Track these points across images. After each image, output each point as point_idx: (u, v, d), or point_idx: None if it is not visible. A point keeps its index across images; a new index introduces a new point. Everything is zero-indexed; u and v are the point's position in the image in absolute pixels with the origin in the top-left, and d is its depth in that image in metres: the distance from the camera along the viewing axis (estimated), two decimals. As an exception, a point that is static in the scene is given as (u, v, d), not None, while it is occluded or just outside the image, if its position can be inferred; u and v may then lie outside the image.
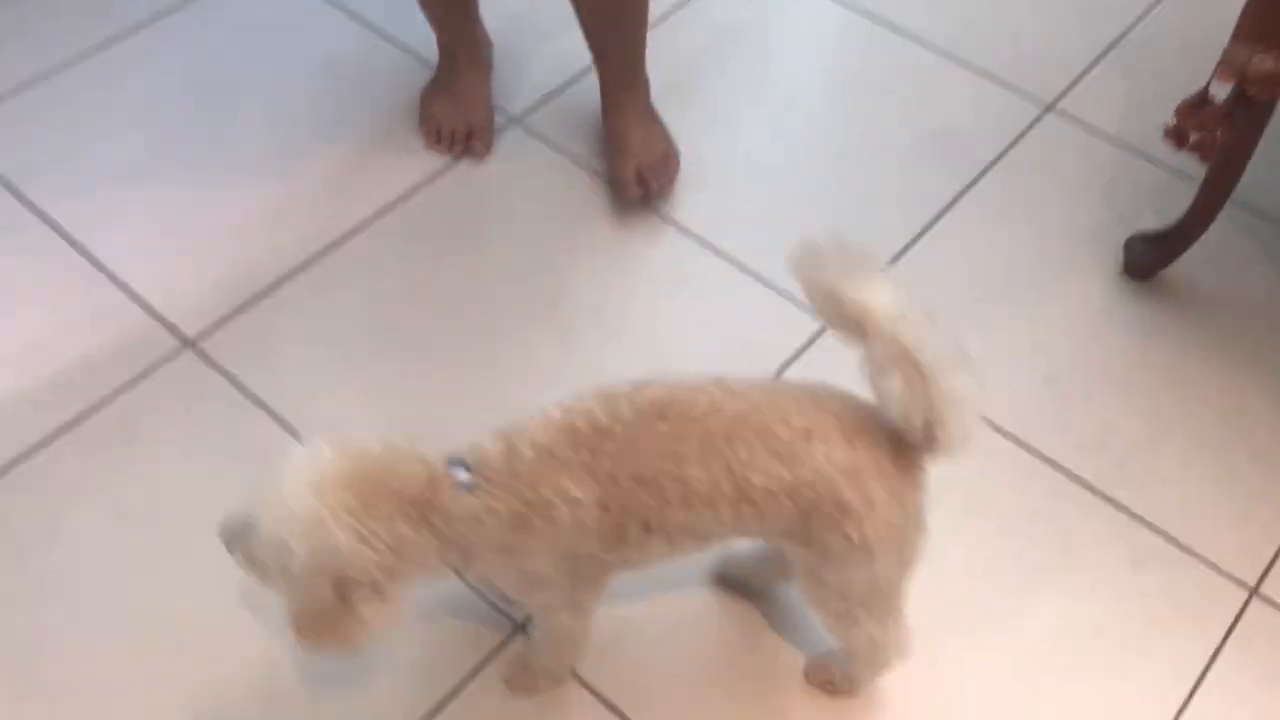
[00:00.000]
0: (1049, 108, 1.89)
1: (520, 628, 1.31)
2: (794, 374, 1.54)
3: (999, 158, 1.83)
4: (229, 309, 1.58)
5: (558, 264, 1.67)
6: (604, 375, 1.46)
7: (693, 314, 1.61)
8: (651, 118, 1.77)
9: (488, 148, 1.79)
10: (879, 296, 0.97)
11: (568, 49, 1.86)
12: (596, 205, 1.73)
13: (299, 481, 0.94)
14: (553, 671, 1.25)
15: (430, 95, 1.81)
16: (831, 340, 1.52)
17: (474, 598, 1.33)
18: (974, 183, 1.79)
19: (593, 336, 1.58)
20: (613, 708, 1.26)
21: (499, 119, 1.82)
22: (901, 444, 1.02)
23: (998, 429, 1.49)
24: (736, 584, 1.35)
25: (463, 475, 1.00)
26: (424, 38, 1.84)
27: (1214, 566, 1.38)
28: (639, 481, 1.01)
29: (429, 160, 1.77)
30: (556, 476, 1.00)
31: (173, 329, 1.55)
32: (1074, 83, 1.92)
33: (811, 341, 1.57)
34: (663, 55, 1.78)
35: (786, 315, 1.60)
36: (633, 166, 1.71)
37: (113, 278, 1.60)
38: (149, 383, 1.49)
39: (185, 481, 1.41)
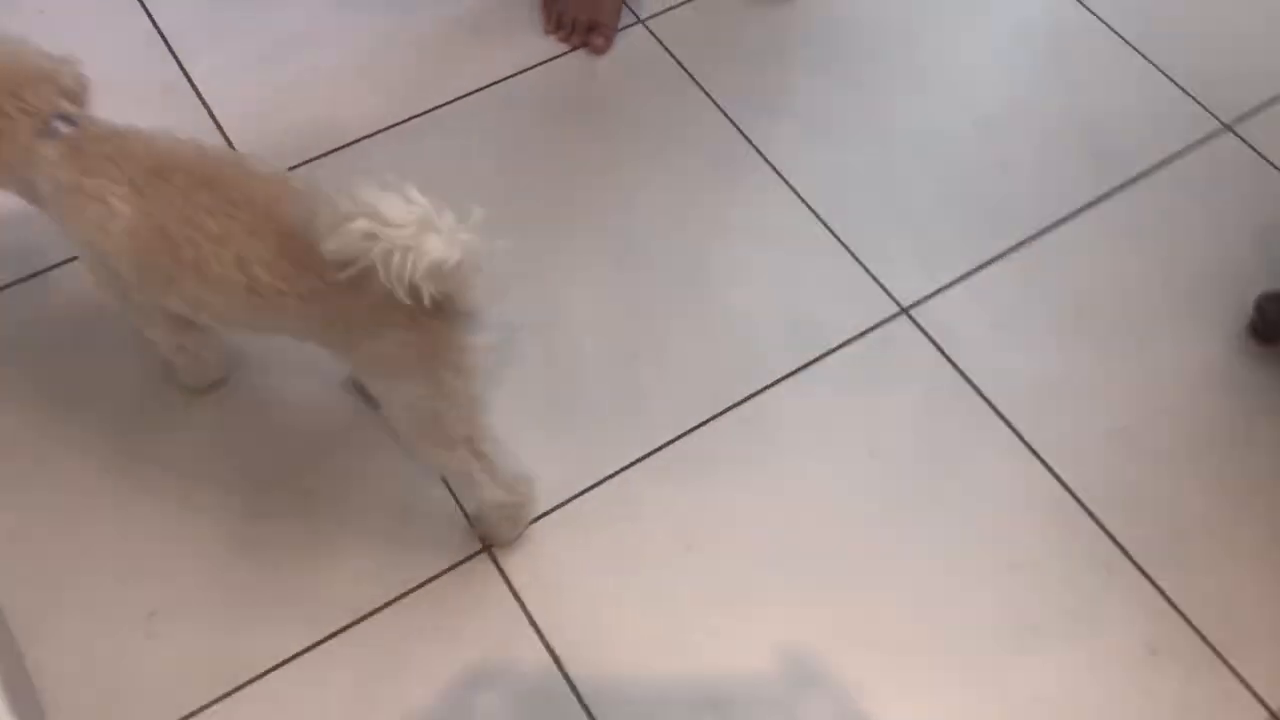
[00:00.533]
0: (1227, 126, 1.68)
1: (487, 549, 1.28)
2: (852, 354, 1.44)
3: (1156, 166, 1.64)
4: (302, 158, 1.55)
5: (644, 177, 1.58)
6: (654, 296, 1.45)
7: (765, 263, 1.51)
8: None
9: (607, 43, 1.70)
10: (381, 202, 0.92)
11: (715, -45, 1.77)
12: (699, 127, 1.63)
13: None
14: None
15: (559, -22, 1.72)
16: (898, 331, 1.45)
17: (453, 509, 1.30)
18: (1120, 188, 1.62)
19: (656, 257, 1.51)
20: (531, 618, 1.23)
21: (625, 17, 1.72)
22: None
23: (1048, 467, 1.37)
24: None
25: (63, 127, 1.06)
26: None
27: (1239, 678, 1.25)
28: (166, 235, 1.04)
29: (544, 45, 1.70)
30: (113, 183, 1.04)
31: (243, 165, 1.54)
32: (1261, 107, 1.70)
33: (877, 326, 1.46)
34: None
35: (863, 294, 1.49)
36: None
37: (200, 98, 1.60)
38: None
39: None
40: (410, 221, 0.90)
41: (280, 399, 1.36)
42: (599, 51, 1.69)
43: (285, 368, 1.38)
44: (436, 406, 1.09)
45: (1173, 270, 1.55)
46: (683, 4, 1.76)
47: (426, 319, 1.00)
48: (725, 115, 1.64)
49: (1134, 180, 1.63)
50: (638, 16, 1.73)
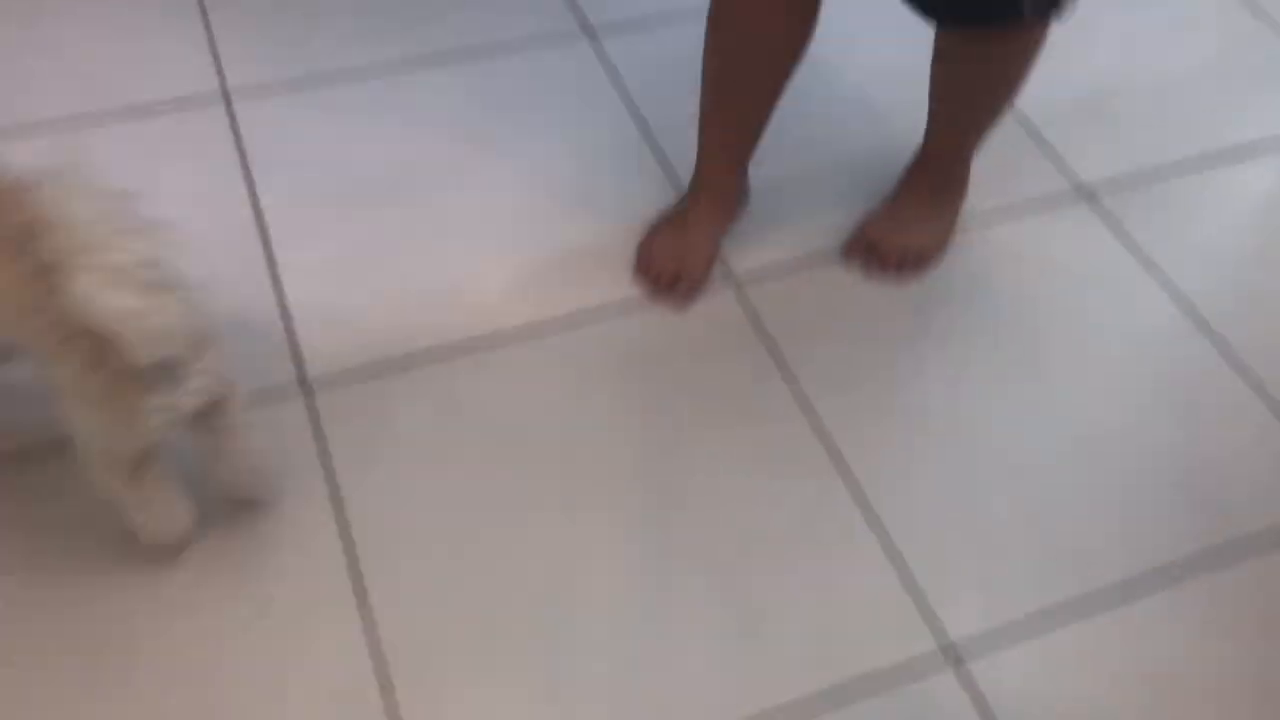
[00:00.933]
0: (1353, 500, 1.51)
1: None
2: (878, 700, 1.30)
3: (1266, 530, 1.47)
4: (360, 362, 1.53)
5: (694, 443, 1.49)
6: (674, 576, 1.39)
7: (804, 565, 1.40)
8: (940, 209, 1.67)
9: (689, 298, 1.63)
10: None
11: (823, 227, 1.71)
12: (766, 401, 1.54)
13: None
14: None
15: (659, 224, 1.68)
16: (937, 679, 1.30)
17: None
18: (1222, 548, 1.45)
19: (686, 532, 1.41)
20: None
21: (718, 273, 1.67)
22: None
23: None
24: None
25: None
26: (689, 158, 1.68)
27: None
28: None
29: (625, 287, 1.65)
30: None
31: (298, 361, 1.52)
32: (1395, 488, 1.52)
33: (914, 669, 1.32)
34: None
35: (906, 623, 1.36)
36: (875, 232, 1.66)
37: (278, 284, 1.60)
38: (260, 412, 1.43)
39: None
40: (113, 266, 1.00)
41: (260, 617, 1.30)
42: (679, 305, 1.63)
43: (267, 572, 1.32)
44: (105, 441, 1.18)
45: (1271, 658, 1.37)
46: (784, 269, 1.69)
47: (115, 363, 1.05)
48: (798, 394, 1.55)
49: (1239, 541, 1.46)
50: (732, 274, 1.67)
